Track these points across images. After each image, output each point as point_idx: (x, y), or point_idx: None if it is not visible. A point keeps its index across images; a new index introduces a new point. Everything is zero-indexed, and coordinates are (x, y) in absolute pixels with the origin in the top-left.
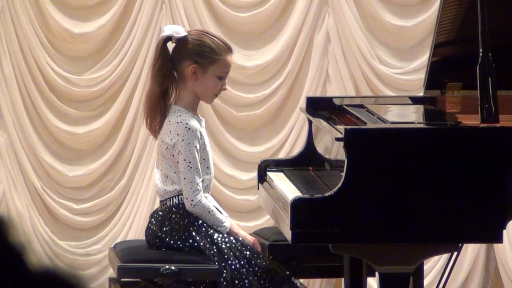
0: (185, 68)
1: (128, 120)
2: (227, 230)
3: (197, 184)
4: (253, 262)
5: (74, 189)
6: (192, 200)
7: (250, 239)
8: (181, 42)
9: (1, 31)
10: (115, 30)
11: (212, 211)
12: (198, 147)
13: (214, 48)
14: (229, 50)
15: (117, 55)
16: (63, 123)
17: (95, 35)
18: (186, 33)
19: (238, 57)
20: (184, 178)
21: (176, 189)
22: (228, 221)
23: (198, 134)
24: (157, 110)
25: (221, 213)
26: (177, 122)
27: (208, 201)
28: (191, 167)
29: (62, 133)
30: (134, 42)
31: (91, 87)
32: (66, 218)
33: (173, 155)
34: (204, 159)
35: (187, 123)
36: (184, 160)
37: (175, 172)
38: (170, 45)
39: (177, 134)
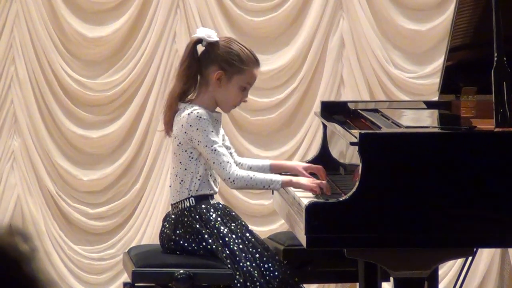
0: (210, 73)
1: (142, 124)
2: (280, 184)
3: (226, 161)
4: (261, 265)
5: (89, 193)
6: (229, 178)
7: (311, 184)
8: (211, 46)
9: (16, 35)
10: (130, 34)
11: (254, 175)
12: (213, 130)
13: (242, 58)
14: (256, 62)
15: (132, 59)
16: (77, 127)
17: (109, 39)
18: (217, 38)
19: None
20: (214, 163)
21: (187, 188)
22: (277, 178)
23: (209, 118)
24: (173, 108)
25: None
26: (188, 114)
27: (241, 170)
28: (214, 150)
29: (76, 137)
30: (148, 46)
31: (105, 91)
32: (81, 222)
33: (185, 151)
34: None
35: (197, 112)
36: (206, 146)
37: (185, 169)
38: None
39: (190, 126)
